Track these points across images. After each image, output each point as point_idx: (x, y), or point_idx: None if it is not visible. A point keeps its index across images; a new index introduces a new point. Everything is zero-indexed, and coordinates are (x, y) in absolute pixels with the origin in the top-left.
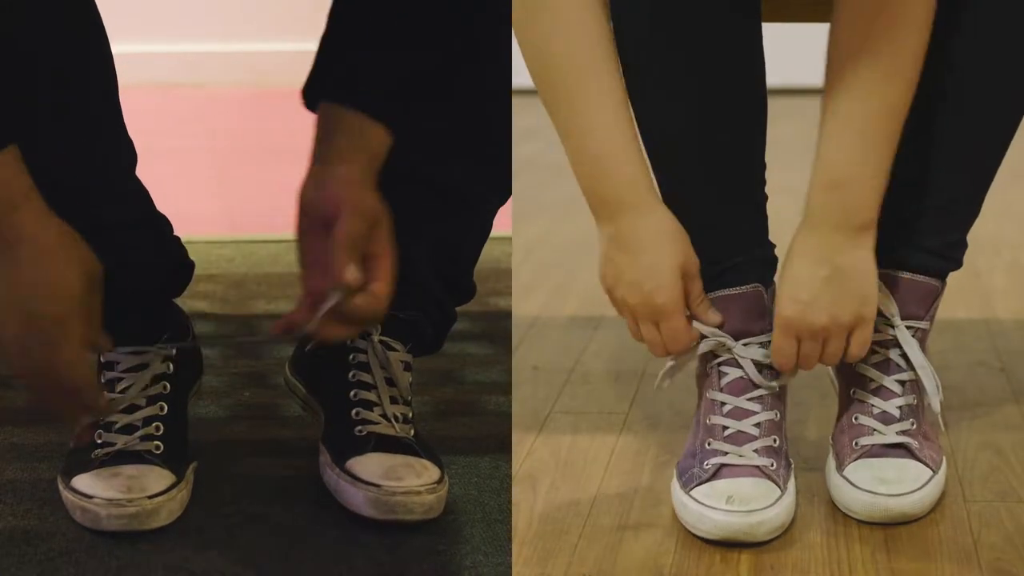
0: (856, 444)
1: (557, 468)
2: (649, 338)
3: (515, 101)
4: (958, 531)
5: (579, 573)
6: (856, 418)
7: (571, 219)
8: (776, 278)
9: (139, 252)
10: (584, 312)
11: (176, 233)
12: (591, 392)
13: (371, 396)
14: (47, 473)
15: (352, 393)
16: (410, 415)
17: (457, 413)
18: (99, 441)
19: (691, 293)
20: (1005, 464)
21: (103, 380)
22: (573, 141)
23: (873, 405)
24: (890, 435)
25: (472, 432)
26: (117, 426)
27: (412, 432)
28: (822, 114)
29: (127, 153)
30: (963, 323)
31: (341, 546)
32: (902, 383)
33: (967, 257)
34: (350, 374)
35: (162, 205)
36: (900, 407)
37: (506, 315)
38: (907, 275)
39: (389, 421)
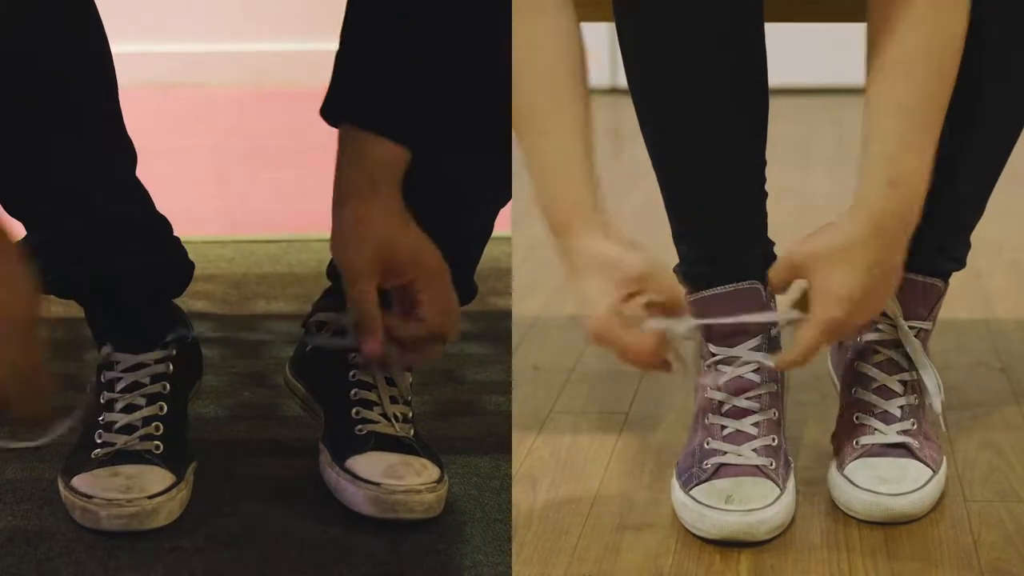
0: (857, 443)
1: (557, 468)
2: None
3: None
4: (958, 531)
5: (579, 573)
6: (857, 417)
7: None
8: (812, 277)
9: (139, 253)
10: (584, 312)
11: (176, 233)
12: (591, 392)
13: (371, 396)
14: (47, 473)
15: (352, 392)
16: (410, 415)
17: (457, 413)
18: (99, 441)
19: (657, 292)
20: (1005, 464)
21: (103, 380)
22: (533, 171)
23: (874, 404)
24: (891, 435)
25: (472, 432)
26: (117, 426)
27: (412, 431)
28: (871, 108)
29: (127, 153)
30: (963, 323)
31: (341, 546)
32: (904, 383)
33: (968, 257)
34: (350, 374)
35: (161, 205)
36: (901, 407)
37: (506, 315)
38: (909, 275)
39: (389, 420)
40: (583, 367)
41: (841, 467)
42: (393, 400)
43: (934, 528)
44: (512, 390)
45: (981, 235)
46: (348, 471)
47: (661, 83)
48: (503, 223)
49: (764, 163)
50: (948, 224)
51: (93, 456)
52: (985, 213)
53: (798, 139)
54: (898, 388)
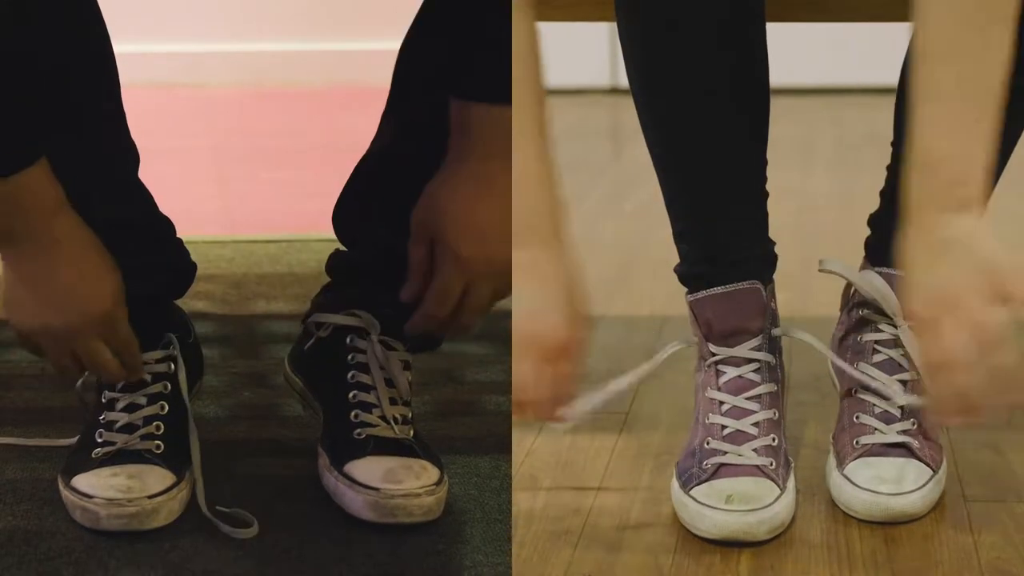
0: (857, 443)
1: (557, 468)
2: (532, 380)
3: None
4: (958, 531)
5: (579, 573)
6: (857, 417)
7: (571, 219)
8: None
9: (141, 253)
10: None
11: (176, 233)
12: (591, 392)
13: (370, 398)
14: (47, 473)
15: (351, 395)
16: (409, 415)
17: (457, 413)
18: (99, 440)
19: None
20: (1005, 464)
21: (103, 380)
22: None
23: (875, 404)
24: (891, 434)
25: (472, 432)
26: (117, 425)
27: (411, 432)
28: (913, 96)
29: (129, 154)
30: None
31: (341, 546)
32: (904, 383)
33: None
34: (349, 375)
35: (162, 205)
36: (901, 407)
37: (506, 315)
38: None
39: (388, 423)
40: (583, 367)
41: (841, 467)
42: (392, 401)
43: (934, 528)
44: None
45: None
46: (347, 476)
47: (661, 83)
48: None
49: (765, 163)
50: None
51: (93, 456)
52: (985, 213)
53: (798, 139)
54: (898, 388)
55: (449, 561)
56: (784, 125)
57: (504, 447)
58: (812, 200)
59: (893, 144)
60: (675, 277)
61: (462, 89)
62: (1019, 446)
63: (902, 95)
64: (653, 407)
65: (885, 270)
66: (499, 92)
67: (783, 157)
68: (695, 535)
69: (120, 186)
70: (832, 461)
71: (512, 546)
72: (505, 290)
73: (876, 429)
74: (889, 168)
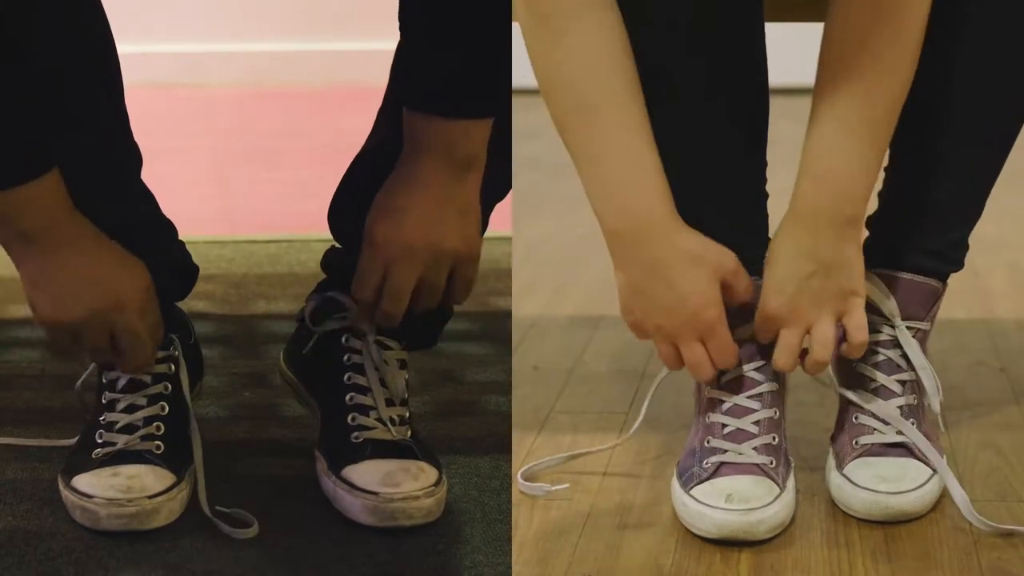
0: (856, 443)
1: (557, 468)
2: (695, 359)
3: (515, 101)
4: (958, 531)
5: (579, 573)
6: (856, 417)
7: (571, 219)
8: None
9: (144, 256)
10: (584, 312)
11: (178, 235)
12: (591, 392)
13: (367, 400)
14: (47, 473)
15: (348, 397)
16: (407, 416)
17: (457, 413)
18: (100, 440)
19: (737, 290)
20: (1005, 464)
21: (103, 380)
22: (588, 168)
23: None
24: (890, 434)
25: (472, 432)
26: (118, 425)
27: (409, 433)
28: (812, 109)
29: (132, 156)
30: (963, 323)
31: (341, 546)
32: (902, 383)
33: (967, 257)
34: (345, 376)
35: (162, 204)
36: (900, 407)
37: (506, 315)
38: (907, 276)
39: (385, 425)
40: (583, 367)
41: (841, 466)
42: (389, 403)
43: (934, 528)
44: (512, 390)
45: (981, 235)
46: (345, 481)
47: (660, 84)
48: (504, 223)
49: (765, 164)
50: (943, 226)
51: (94, 456)
52: (985, 213)
53: (798, 139)
54: (896, 388)
55: (449, 561)
56: (784, 125)
57: (504, 447)
58: None
59: (891, 146)
60: None
61: (412, 99)
62: (1019, 446)
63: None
64: (653, 407)
65: (883, 271)
66: (446, 105)
67: (783, 157)
68: (695, 535)
69: (123, 187)
70: (832, 461)
71: (512, 546)
72: (441, 281)
73: (875, 429)
74: (887, 170)
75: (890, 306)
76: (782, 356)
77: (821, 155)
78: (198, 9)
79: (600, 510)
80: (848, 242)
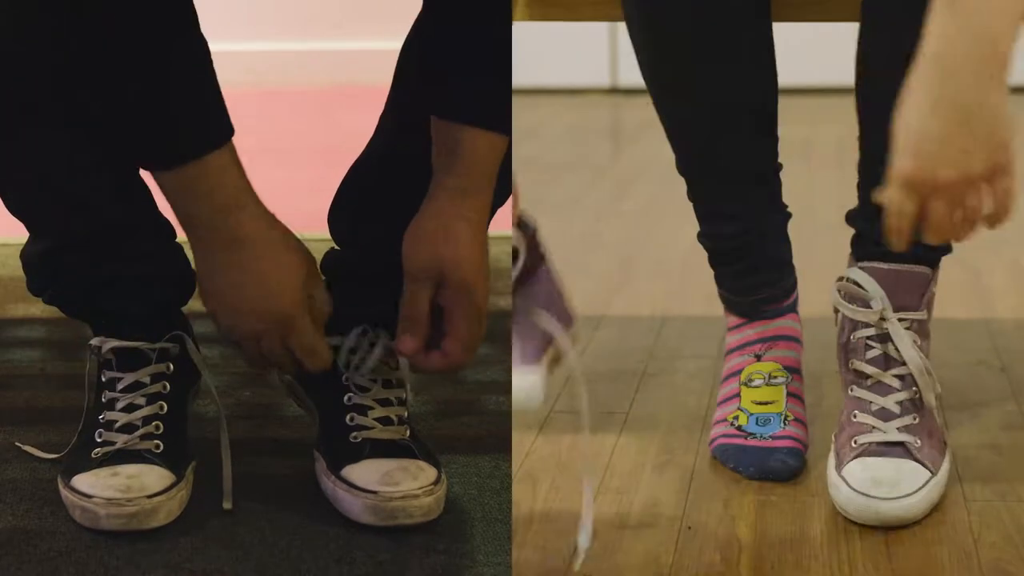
0: (855, 442)
1: (557, 468)
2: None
3: (515, 101)
4: (958, 531)
5: (579, 573)
6: (855, 415)
7: (571, 219)
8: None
9: (141, 257)
10: (584, 312)
11: (177, 232)
12: (591, 392)
13: (365, 400)
14: (47, 473)
15: (346, 397)
16: (405, 415)
17: (457, 413)
18: (99, 440)
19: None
20: (1005, 464)
21: (103, 379)
22: None
23: (871, 402)
24: (891, 432)
25: (472, 432)
26: (117, 425)
27: (408, 432)
28: None
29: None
30: (963, 323)
31: (341, 545)
32: (901, 377)
33: (967, 257)
34: (343, 377)
35: (162, 205)
36: (900, 402)
37: (506, 315)
38: (895, 266)
39: (384, 424)
40: (583, 367)
41: (839, 467)
42: (388, 403)
43: (934, 528)
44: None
45: (980, 234)
46: (344, 480)
47: (673, 84)
48: (503, 223)
49: (777, 162)
50: None
51: (93, 455)
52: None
53: (798, 139)
54: (895, 383)
55: (449, 560)
56: (784, 125)
57: (504, 447)
58: (812, 200)
59: (860, 139)
60: (675, 277)
61: (446, 109)
62: (1019, 446)
63: (862, 91)
64: (653, 407)
65: (869, 264)
66: (490, 118)
67: (783, 157)
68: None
69: (121, 186)
70: (832, 460)
71: (512, 546)
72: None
73: (874, 427)
74: (859, 164)
75: (880, 300)
76: (938, 230)
77: None
78: (198, 9)
79: (600, 510)
80: (995, 86)
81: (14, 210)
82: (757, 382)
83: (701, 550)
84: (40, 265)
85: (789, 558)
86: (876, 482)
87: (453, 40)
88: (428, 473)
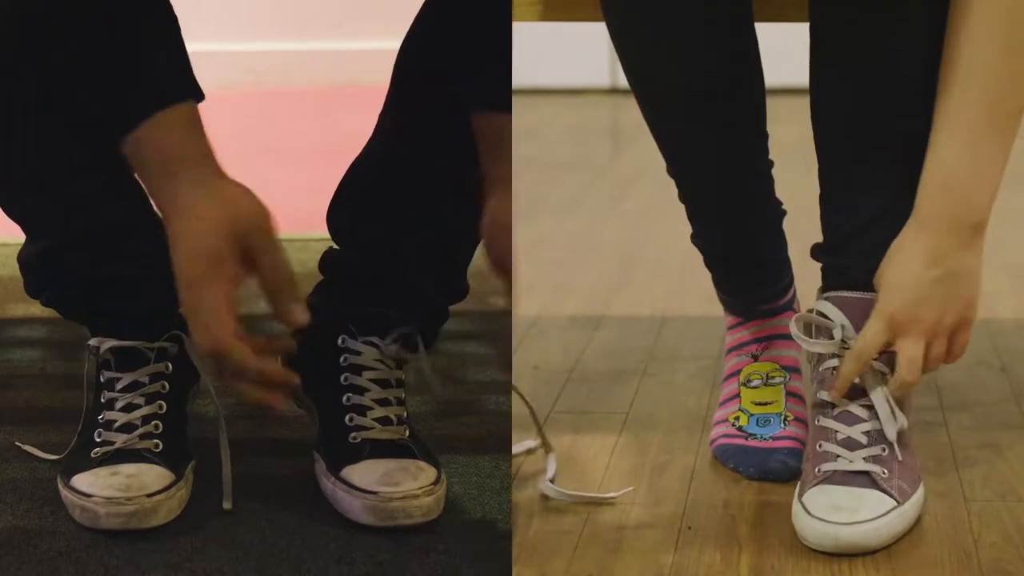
0: (819, 470)
1: (557, 468)
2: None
3: (515, 101)
4: (958, 531)
5: (579, 573)
6: (820, 445)
7: (571, 219)
8: (877, 278)
9: (140, 258)
10: (584, 312)
11: None
12: (591, 392)
13: (364, 400)
14: (47, 472)
15: (345, 397)
16: (404, 414)
17: (457, 413)
18: (98, 440)
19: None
20: (1005, 464)
21: (102, 379)
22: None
23: (836, 431)
24: (856, 461)
25: (472, 432)
26: (116, 425)
27: (407, 432)
28: (936, 113)
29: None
30: None
31: (341, 545)
32: (868, 407)
33: None
34: (342, 377)
35: None
36: (867, 432)
37: (506, 315)
38: (863, 294)
39: (383, 424)
40: (583, 367)
41: (801, 493)
42: (386, 403)
43: (934, 528)
44: (512, 390)
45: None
46: (344, 481)
47: (645, 82)
48: None
49: (768, 164)
50: (881, 237)
51: (92, 455)
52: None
53: (798, 139)
54: (862, 413)
55: (449, 561)
56: (784, 125)
57: (504, 447)
58: (812, 200)
59: (818, 150)
60: (675, 277)
61: (488, 101)
62: (1019, 446)
63: (816, 121)
64: (653, 407)
65: (836, 294)
66: (508, 99)
67: (783, 157)
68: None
69: (117, 187)
70: (796, 490)
71: (512, 546)
72: None
73: (838, 456)
74: (820, 198)
75: (840, 329)
76: (909, 370)
77: (946, 161)
78: (198, 9)
79: (600, 510)
80: (972, 250)
81: (10, 212)
82: (755, 382)
83: (701, 550)
84: (37, 266)
85: (789, 558)
86: (835, 508)
87: (473, 32)
88: (428, 473)
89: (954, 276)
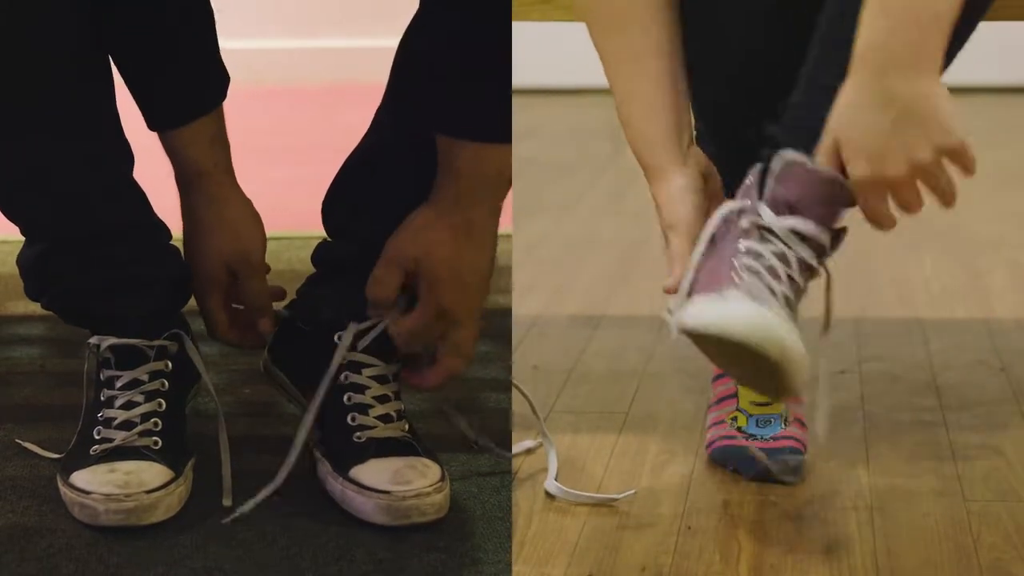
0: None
1: (557, 468)
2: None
3: (515, 100)
4: (958, 531)
5: (579, 573)
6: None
7: (571, 219)
8: (827, 134)
9: (139, 259)
10: (584, 312)
11: (176, 232)
12: (591, 392)
13: (365, 399)
14: (47, 470)
15: (346, 396)
16: (402, 409)
17: (457, 411)
18: (97, 437)
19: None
20: (1005, 464)
21: (101, 377)
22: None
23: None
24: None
25: (472, 431)
26: (115, 422)
27: (407, 427)
28: None
29: (125, 156)
30: (963, 323)
31: (341, 543)
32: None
33: (967, 256)
34: (341, 376)
35: (161, 204)
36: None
37: (506, 314)
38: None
39: (385, 422)
40: (583, 367)
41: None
42: (385, 399)
43: (934, 528)
44: (512, 389)
45: (980, 234)
46: (353, 481)
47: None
48: (503, 221)
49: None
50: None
51: (91, 452)
52: (985, 213)
53: None
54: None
55: (449, 559)
56: None
57: (504, 446)
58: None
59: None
60: None
61: (449, 126)
62: (1019, 446)
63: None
64: (653, 407)
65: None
66: (488, 131)
67: None
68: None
69: (116, 188)
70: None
71: (512, 545)
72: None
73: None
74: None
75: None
76: (907, 210)
77: None
78: None
79: (600, 510)
80: (929, 75)
81: (9, 213)
82: None
83: (701, 550)
84: (37, 269)
85: (789, 558)
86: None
87: (450, 51)
88: (433, 470)
89: (911, 109)
